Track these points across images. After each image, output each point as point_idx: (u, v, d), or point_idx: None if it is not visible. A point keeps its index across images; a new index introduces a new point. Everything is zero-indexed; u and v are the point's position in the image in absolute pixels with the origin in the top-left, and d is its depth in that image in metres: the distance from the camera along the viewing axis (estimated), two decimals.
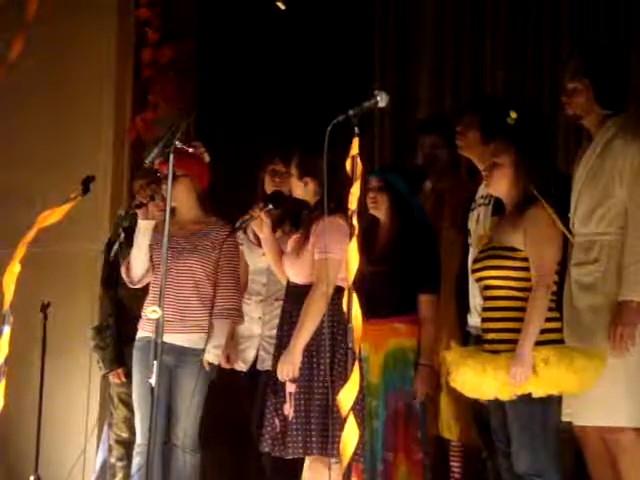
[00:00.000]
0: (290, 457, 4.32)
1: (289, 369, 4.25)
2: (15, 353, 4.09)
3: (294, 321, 4.34)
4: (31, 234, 4.16)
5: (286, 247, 4.54)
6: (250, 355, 5.01)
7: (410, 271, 4.72)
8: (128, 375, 5.12)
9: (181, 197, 4.79)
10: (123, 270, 4.90)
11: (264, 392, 4.52)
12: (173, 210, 4.80)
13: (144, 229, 4.83)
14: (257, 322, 5.02)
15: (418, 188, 4.99)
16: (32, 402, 5.76)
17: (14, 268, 4.10)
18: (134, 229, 4.88)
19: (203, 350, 4.71)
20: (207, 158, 4.84)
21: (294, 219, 4.83)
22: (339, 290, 4.25)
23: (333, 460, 4.24)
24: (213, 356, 4.71)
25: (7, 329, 4.05)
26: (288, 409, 4.28)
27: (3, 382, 3.99)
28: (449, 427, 4.89)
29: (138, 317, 4.89)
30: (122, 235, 4.95)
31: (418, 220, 4.84)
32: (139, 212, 4.83)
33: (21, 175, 6.28)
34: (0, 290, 4.10)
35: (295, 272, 4.44)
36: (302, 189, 4.48)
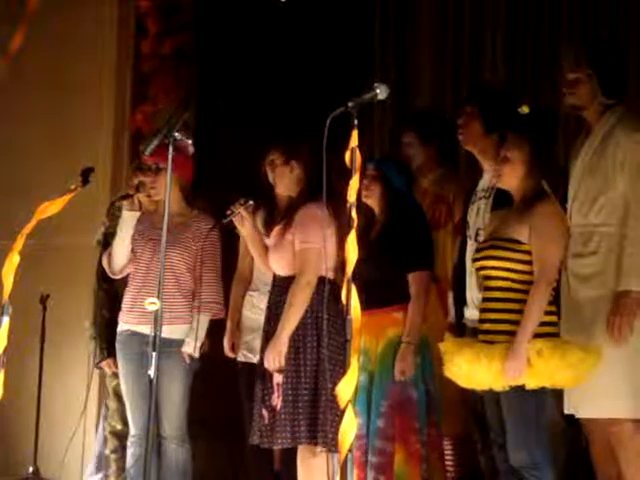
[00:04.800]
0: (279, 447, 4.36)
1: (275, 358, 4.31)
2: (14, 344, 4.09)
3: (280, 313, 4.38)
4: (30, 225, 4.15)
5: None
6: (259, 345, 4.99)
7: (400, 256, 4.70)
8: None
9: (164, 190, 4.77)
10: (104, 260, 4.94)
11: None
12: (157, 202, 4.84)
13: (128, 220, 4.85)
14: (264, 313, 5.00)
15: (413, 182, 5.00)
16: (31, 393, 5.78)
17: (13, 259, 4.09)
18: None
19: (184, 340, 4.75)
20: (191, 151, 4.85)
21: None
22: (322, 280, 4.28)
23: (318, 449, 4.29)
24: (192, 348, 4.74)
25: (6, 320, 4.04)
26: (276, 399, 4.31)
27: (2, 373, 3.98)
28: None
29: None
30: (107, 224, 4.99)
31: (410, 212, 4.83)
32: (125, 203, 4.86)
33: (20, 166, 6.28)
34: None
35: (279, 264, 4.47)
36: (287, 177, 4.52)
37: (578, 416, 4.15)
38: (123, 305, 4.90)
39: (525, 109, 4.21)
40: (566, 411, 4.14)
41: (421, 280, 4.72)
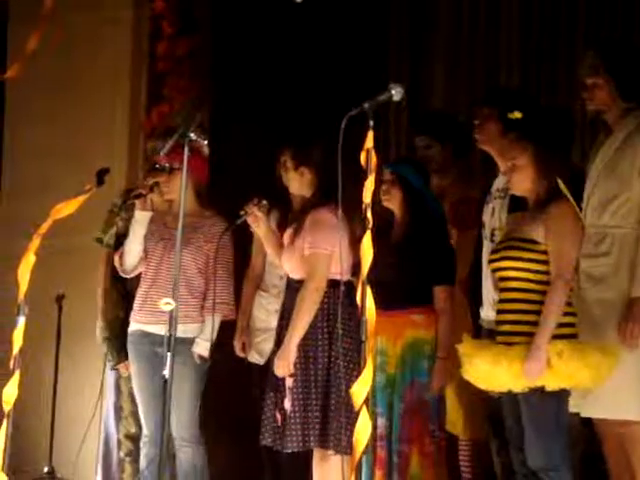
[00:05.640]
0: (289, 451, 4.34)
1: (284, 365, 4.30)
2: (29, 344, 4.10)
3: (291, 316, 4.37)
4: (45, 226, 4.16)
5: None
6: (267, 348, 4.98)
7: (425, 263, 4.72)
8: None
9: (178, 190, 4.74)
10: (116, 259, 4.94)
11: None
12: (170, 202, 4.84)
13: (141, 220, 4.84)
14: (274, 314, 4.96)
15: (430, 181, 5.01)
16: (46, 393, 5.79)
17: (29, 259, 4.10)
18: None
19: (194, 339, 4.74)
20: (206, 151, 4.84)
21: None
22: (333, 284, 4.28)
23: (330, 452, 4.28)
24: (203, 349, 4.72)
25: (22, 320, 4.06)
26: (288, 403, 4.31)
27: (17, 373, 3.99)
28: (453, 422, 4.89)
29: None
30: (120, 224, 4.98)
31: (432, 212, 4.84)
32: (137, 203, 4.85)
33: (35, 167, 6.29)
34: (15, 281, 4.11)
35: (291, 267, 4.47)
36: (298, 181, 4.53)
37: (583, 415, 4.14)
38: (134, 304, 4.90)
39: (517, 114, 4.21)
40: (571, 409, 4.13)
41: (446, 294, 4.74)
